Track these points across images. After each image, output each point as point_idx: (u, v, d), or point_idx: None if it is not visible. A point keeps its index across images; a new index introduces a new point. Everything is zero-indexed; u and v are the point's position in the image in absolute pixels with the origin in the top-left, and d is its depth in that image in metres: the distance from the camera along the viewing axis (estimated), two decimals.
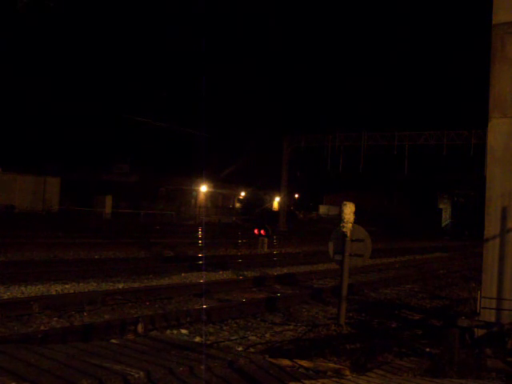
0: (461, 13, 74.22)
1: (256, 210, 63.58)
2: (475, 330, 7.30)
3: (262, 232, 26.51)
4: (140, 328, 7.72)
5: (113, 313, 9.44)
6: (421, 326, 9.35)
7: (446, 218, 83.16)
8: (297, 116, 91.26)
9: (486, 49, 7.92)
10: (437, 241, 43.84)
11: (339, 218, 9.16)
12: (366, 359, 6.61)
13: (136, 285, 12.38)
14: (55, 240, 22.82)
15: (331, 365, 5.88)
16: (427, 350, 7.12)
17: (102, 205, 51.24)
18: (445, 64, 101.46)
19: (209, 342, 7.34)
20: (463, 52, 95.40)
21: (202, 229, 38.28)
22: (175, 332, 8.24)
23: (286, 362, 5.64)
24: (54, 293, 10.81)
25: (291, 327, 9.01)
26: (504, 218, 7.58)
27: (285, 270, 17.04)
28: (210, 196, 66.54)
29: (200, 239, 28.94)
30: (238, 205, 73.56)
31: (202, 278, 13.90)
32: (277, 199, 64.27)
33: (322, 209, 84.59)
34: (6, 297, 10.12)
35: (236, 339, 8.03)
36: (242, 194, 73.77)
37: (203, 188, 62.17)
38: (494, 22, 7.86)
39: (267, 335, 8.38)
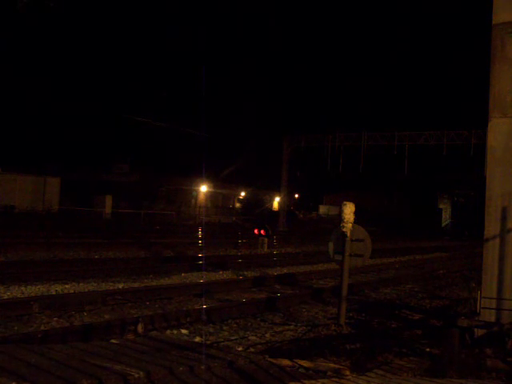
0: (461, 13, 74.23)
1: (256, 210, 63.59)
2: (475, 330, 7.30)
3: (262, 232, 26.51)
4: (140, 328, 7.73)
5: (113, 313, 9.44)
6: (421, 326, 9.35)
7: (445, 218, 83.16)
8: (297, 116, 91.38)
9: (485, 49, 7.93)
10: (437, 241, 43.83)
11: (339, 218, 9.16)
12: (366, 359, 6.61)
13: (136, 285, 12.38)
14: (55, 240, 22.81)
15: (331, 365, 5.88)
16: (427, 349, 7.12)
17: (102, 205, 51.24)
18: (445, 64, 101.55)
19: (209, 342, 7.34)
20: (463, 52, 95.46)
21: (202, 229, 38.29)
22: (175, 332, 8.24)
23: (286, 362, 5.64)
24: (53, 293, 10.81)
25: (291, 327, 9.01)
26: (504, 218, 7.58)
27: (285, 270, 17.04)
28: (210, 196, 66.54)
29: (200, 239, 28.94)
30: (237, 205, 73.57)
31: (202, 278, 13.91)
32: (277, 199, 64.30)
33: (322, 209, 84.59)
34: (5, 297, 10.11)
35: (236, 339, 8.03)
36: (242, 194, 73.78)
37: (203, 188, 62.18)
38: (494, 22, 7.86)
39: (267, 335, 8.38)
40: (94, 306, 9.70)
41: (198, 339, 7.69)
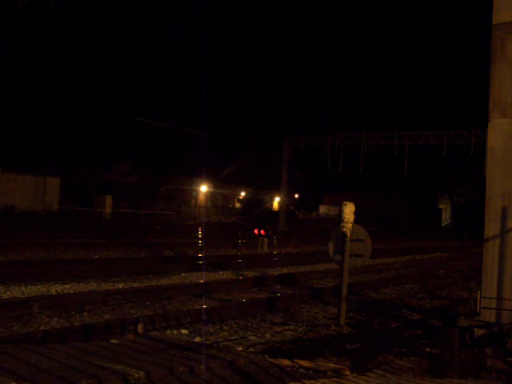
0: (461, 13, 74.28)
1: (256, 210, 63.58)
2: (475, 329, 7.30)
3: (262, 232, 26.49)
4: (140, 328, 7.73)
5: (113, 313, 9.44)
6: (421, 326, 9.36)
7: (446, 218, 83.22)
8: (297, 116, 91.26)
9: (485, 49, 7.93)
10: (437, 241, 43.81)
11: (339, 218, 9.16)
12: (366, 359, 6.62)
13: (136, 285, 12.38)
14: (55, 240, 22.81)
15: (331, 365, 5.88)
16: (427, 349, 7.12)
17: (102, 205, 51.24)
18: (445, 64, 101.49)
19: (209, 342, 7.34)
20: (463, 52, 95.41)
21: (201, 229, 38.29)
22: (175, 332, 8.24)
23: (286, 362, 5.64)
24: (54, 293, 10.81)
25: (291, 327, 9.01)
26: (504, 218, 7.58)
27: (285, 270, 17.04)
28: (210, 196, 66.56)
29: (200, 239, 28.94)
30: (237, 205, 73.56)
31: (202, 278, 13.91)
32: (277, 199, 64.28)
33: (322, 209, 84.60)
34: (6, 297, 10.12)
35: (236, 339, 8.03)
36: (242, 194, 73.77)
37: (203, 188, 62.18)
38: (494, 22, 7.86)
39: (267, 335, 8.38)
40: (93, 306, 9.70)
41: (198, 339, 7.69)
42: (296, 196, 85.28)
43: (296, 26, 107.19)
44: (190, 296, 11.39)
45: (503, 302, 7.47)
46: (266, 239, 25.49)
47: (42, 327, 8.03)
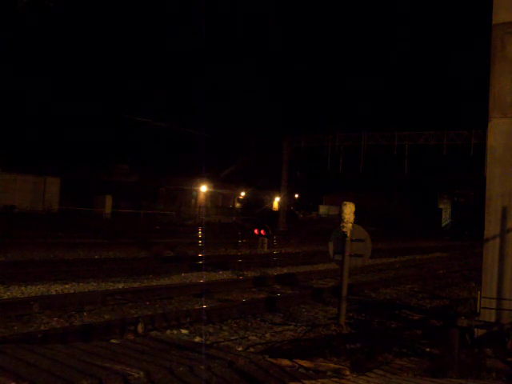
0: (461, 13, 74.26)
1: (256, 210, 63.56)
2: (475, 329, 7.30)
3: (262, 232, 26.50)
4: (140, 328, 7.73)
5: (113, 313, 9.44)
6: (421, 326, 9.36)
7: (446, 218, 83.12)
8: (297, 116, 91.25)
9: (485, 49, 7.93)
10: (437, 241, 43.82)
11: (339, 218, 9.16)
12: (366, 359, 6.61)
13: (136, 285, 12.38)
14: (55, 240, 22.83)
15: (331, 365, 5.87)
16: (427, 349, 7.12)
17: (102, 205, 51.26)
18: (445, 64, 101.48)
19: (209, 342, 7.34)
20: (463, 52, 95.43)
21: (201, 229, 38.28)
22: (175, 332, 8.24)
23: (285, 362, 5.63)
24: (54, 293, 10.81)
25: (291, 327, 9.01)
26: (504, 218, 7.58)
27: (285, 270, 17.04)
28: (210, 196, 66.56)
29: (200, 239, 28.94)
30: (237, 205, 73.56)
31: (202, 278, 13.91)
32: (277, 199, 64.26)
33: (322, 209, 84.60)
34: (6, 297, 10.12)
35: (236, 339, 8.03)
36: (242, 194, 73.76)
37: (203, 188, 62.20)
38: (494, 22, 7.86)
39: (267, 335, 8.39)
40: (94, 306, 9.70)
41: (198, 339, 7.69)
42: (296, 196, 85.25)
43: (296, 27, 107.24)
44: (189, 296, 11.39)
45: (503, 302, 7.47)
46: (265, 239, 25.49)
47: (42, 327, 8.03)
